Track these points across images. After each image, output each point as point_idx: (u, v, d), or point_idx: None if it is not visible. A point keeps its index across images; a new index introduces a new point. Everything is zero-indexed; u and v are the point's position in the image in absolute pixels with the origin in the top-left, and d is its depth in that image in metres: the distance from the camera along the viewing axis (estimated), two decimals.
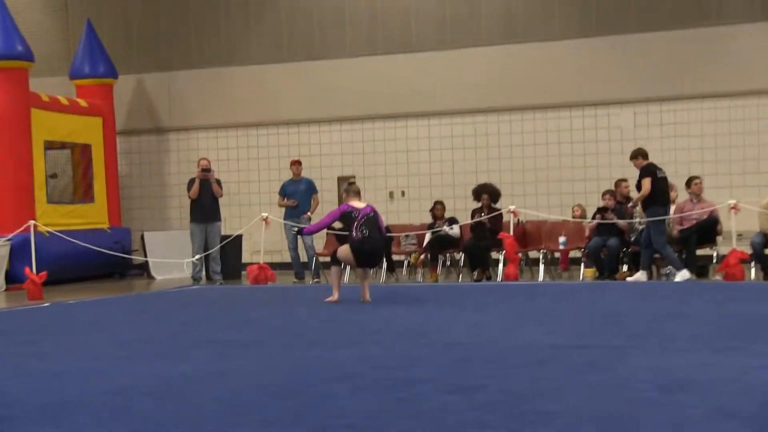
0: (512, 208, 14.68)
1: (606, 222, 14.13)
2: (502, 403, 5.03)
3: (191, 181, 15.72)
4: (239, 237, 16.90)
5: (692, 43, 16.86)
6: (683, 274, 13.16)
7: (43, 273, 13.88)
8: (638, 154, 13.79)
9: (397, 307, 10.41)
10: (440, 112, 18.17)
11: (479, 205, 15.18)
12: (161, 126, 19.99)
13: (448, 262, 16.06)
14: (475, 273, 14.88)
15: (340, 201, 18.58)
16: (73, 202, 17.98)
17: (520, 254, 14.71)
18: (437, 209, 15.67)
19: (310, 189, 15.94)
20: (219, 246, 15.72)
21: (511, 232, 14.43)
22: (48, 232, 15.70)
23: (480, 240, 14.79)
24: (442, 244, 15.29)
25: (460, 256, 15.47)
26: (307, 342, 7.85)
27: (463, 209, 16.67)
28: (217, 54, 19.54)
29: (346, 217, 10.96)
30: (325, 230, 16.31)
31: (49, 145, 17.44)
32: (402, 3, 18.48)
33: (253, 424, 4.71)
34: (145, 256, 17.72)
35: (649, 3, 17.24)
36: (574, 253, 15.59)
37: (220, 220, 15.91)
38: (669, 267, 13.83)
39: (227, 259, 16.28)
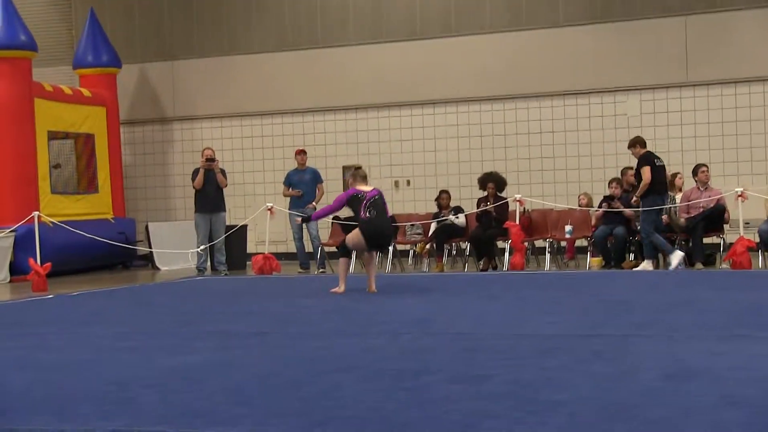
0: (518, 196, 14.64)
1: (612, 210, 14.07)
2: (508, 393, 5.00)
3: (195, 171, 15.69)
4: (244, 227, 16.87)
5: (698, 30, 16.79)
6: (677, 255, 13.12)
7: (48, 264, 13.86)
8: (636, 143, 13.74)
9: (403, 297, 10.38)
10: (445, 100, 18.11)
11: (485, 194, 15.14)
12: (165, 116, 19.97)
13: (454, 252, 16.05)
14: (481, 262, 14.86)
15: (346, 190, 18.61)
16: (77, 193, 17.96)
17: (526, 243, 14.68)
18: (443, 198, 15.64)
19: (315, 178, 15.90)
20: (224, 236, 15.70)
21: (517, 221, 14.39)
22: (52, 222, 15.68)
23: (486, 229, 14.76)
24: (447, 233, 15.26)
25: (466, 246, 15.44)
26: (312, 332, 7.83)
27: (468, 198, 16.64)
28: (220, 43, 19.50)
29: (353, 200, 10.87)
30: (330, 220, 16.38)
31: (53, 135, 17.42)
32: None
33: (258, 415, 4.68)
34: (150, 247, 17.71)
35: None
36: (581, 242, 15.54)
37: (224, 210, 15.88)
38: None
39: (232, 249, 16.26)
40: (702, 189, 14.09)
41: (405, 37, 18.37)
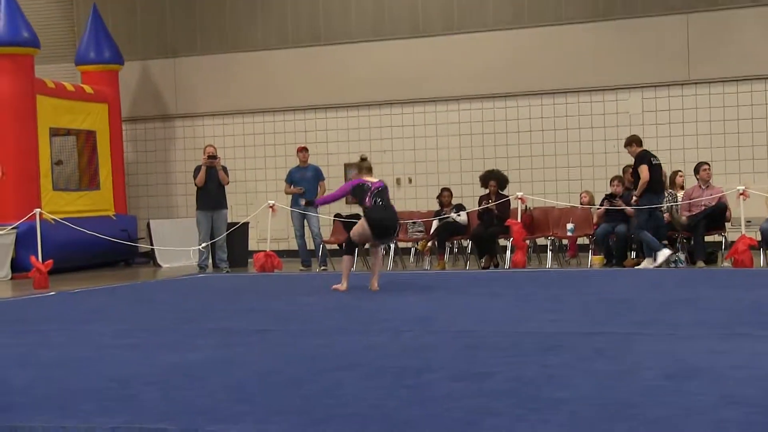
0: (520, 194, 14.62)
1: (614, 208, 14.07)
2: (509, 391, 5.00)
3: (197, 169, 15.70)
4: (246, 225, 16.87)
5: (700, 28, 16.77)
6: (663, 254, 13.13)
7: (49, 261, 13.86)
8: (632, 141, 13.74)
9: (404, 295, 10.38)
10: (447, 97, 18.10)
11: (487, 191, 15.13)
12: (167, 113, 19.97)
13: (456, 250, 16.04)
14: (483, 260, 14.86)
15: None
16: (79, 190, 17.96)
17: (527, 241, 14.67)
18: (444, 196, 15.63)
19: (317, 176, 15.90)
20: (225, 234, 15.70)
21: (519, 219, 14.38)
22: (54, 219, 15.68)
23: (487, 227, 14.75)
24: (449, 231, 15.25)
25: (468, 244, 15.43)
26: (314, 330, 7.83)
27: (470, 196, 16.64)
28: (222, 40, 19.50)
29: (358, 189, 10.83)
30: (332, 218, 16.39)
31: (55, 132, 17.42)
32: None
33: (259, 413, 4.69)
34: (151, 244, 17.71)
35: None
36: (582, 240, 15.53)
37: (226, 207, 15.89)
38: (677, 254, 13.80)
39: (234, 246, 16.26)
40: (704, 187, 14.08)
41: (407, 34, 18.36)
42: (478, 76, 17.79)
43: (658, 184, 13.47)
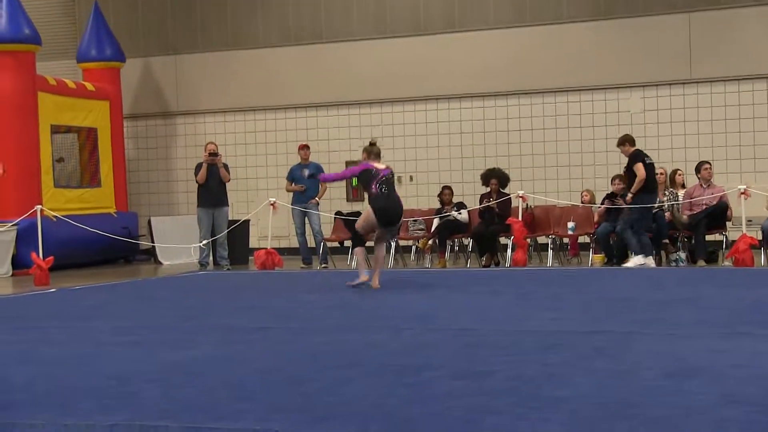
0: (521, 193, 14.62)
1: (615, 207, 14.06)
2: (510, 389, 5.00)
3: (198, 166, 15.70)
4: (247, 222, 16.87)
5: (702, 27, 16.76)
6: (637, 260, 13.22)
7: (50, 258, 13.87)
8: (625, 141, 13.75)
9: (405, 293, 10.37)
10: (448, 95, 18.09)
11: (488, 190, 15.13)
12: (168, 110, 19.97)
13: (456, 248, 16.04)
14: (484, 258, 14.85)
15: (348, 185, 18.60)
16: (80, 187, 17.96)
17: (528, 240, 14.67)
18: (445, 194, 15.63)
19: (318, 173, 15.88)
20: (226, 231, 15.70)
21: (520, 218, 14.37)
22: (55, 216, 15.69)
23: (488, 225, 14.75)
24: (450, 229, 15.24)
25: (469, 242, 15.43)
26: (315, 327, 7.83)
27: (471, 194, 16.63)
28: (224, 37, 19.49)
29: (365, 174, 10.81)
30: (332, 215, 16.39)
31: (56, 129, 17.42)
32: None
33: (260, 411, 4.69)
34: (152, 241, 17.72)
35: None
36: (583, 239, 15.53)
37: (227, 204, 15.90)
38: (677, 253, 13.80)
39: (234, 244, 16.27)
40: (705, 186, 14.07)
41: (409, 32, 18.35)
42: (479, 74, 17.78)
43: (651, 184, 13.50)
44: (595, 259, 14.38)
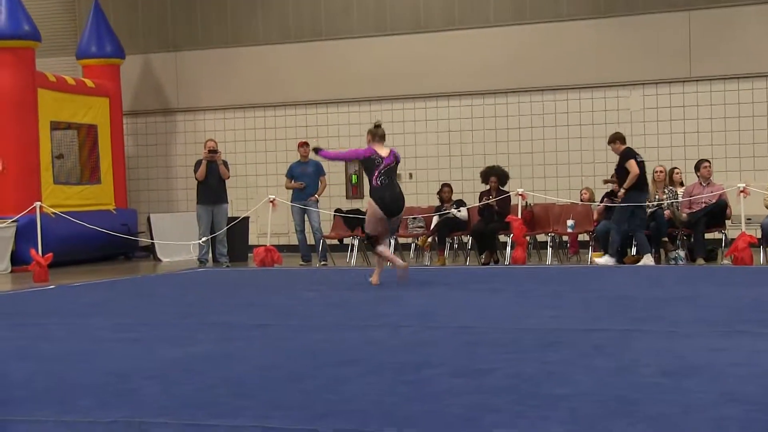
0: (520, 190, 14.63)
1: (614, 205, 14.05)
2: (509, 387, 5.00)
3: (198, 163, 15.69)
4: (246, 219, 16.87)
5: (702, 25, 16.76)
6: (606, 260, 13.41)
7: (49, 255, 13.87)
8: (616, 139, 13.80)
9: (404, 290, 10.37)
10: (448, 93, 18.09)
11: (487, 187, 15.13)
12: (168, 107, 19.96)
13: (456, 245, 16.04)
14: (483, 256, 14.86)
15: (348, 183, 18.62)
16: (80, 183, 17.96)
17: (527, 237, 14.67)
18: (445, 192, 15.63)
19: (318, 171, 15.88)
20: (226, 228, 15.70)
21: (519, 215, 14.38)
22: (54, 213, 15.69)
23: (488, 223, 14.75)
24: (449, 226, 15.25)
25: (468, 239, 15.43)
26: (314, 325, 7.83)
27: (471, 192, 16.63)
28: (224, 34, 19.48)
29: (369, 162, 10.81)
30: (332, 213, 16.38)
31: (56, 126, 17.42)
32: None
33: (259, 408, 4.69)
34: (152, 238, 17.71)
35: None
36: (583, 237, 15.53)
37: (226, 202, 15.89)
38: (676, 251, 13.80)
39: (234, 241, 16.26)
40: (704, 184, 14.08)
41: (409, 29, 18.34)
42: (479, 72, 17.78)
43: (642, 182, 13.54)
44: (594, 257, 14.38)
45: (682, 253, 13.80)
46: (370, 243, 11.09)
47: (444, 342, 6.67)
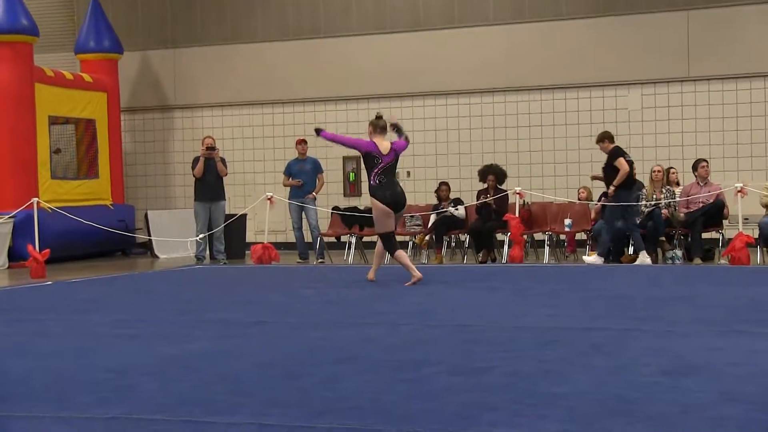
0: (518, 189, 14.63)
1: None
2: (507, 385, 5.00)
3: (196, 160, 15.68)
4: (243, 216, 16.86)
5: (701, 24, 16.76)
6: (594, 258, 13.49)
7: (46, 250, 13.85)
8: (605, 137, 13.85)
9: (402, 288, 10.37)
10: (446, 91, 18.09)
11: (485, 186, 15.13)
12: (166, 103, 19.94)
13: (453, 244, 16.04)
14: (480, 254, 14.85)
15: (346, 180, 18.61)
16: (77, 178, 17.94)
17: (525, 236, 14.67)
18: (442, 190, 15.63)
19: (316, 168, 15.87)
20: (223, 225, 15.69)
21: (517, 214, 14.38)
22: (51, 209, 15.67)
23: (485, 221, 14.76)
24: (447, 225, 15.25)
25: (465, 238, 15.43)
26: (312, 322, 7.83)
27: (468, 190, 16.62)
28: (222, 31, 19.46)
29: (369, 158, 10.76)
30: (329, 210, 16.37)
31: (53, 120, 17.40)
32: None
33: (257, 405, 4.69)
34: (149, 235, 17.70)
35: None
36: (580, 236, 15.53)
37: (224, 199, 15.87)
38: (674, 251, 13.81)
39: (231, 238, 16.26)
40: (702, 184, 14.09)
41: (408, 27, 18.33)
42: (477, 71, 17.78)
43: (631, 180, 13.59)
44: (591, 255, 14.37)
45: (679, 252, 13.80)
46: (386, 246, 10.91)
47: (442, 340, 6.66)
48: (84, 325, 7.98)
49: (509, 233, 14.32)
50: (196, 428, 4.30)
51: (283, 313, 8.65)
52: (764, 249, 13.46)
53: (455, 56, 17.92)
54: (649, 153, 16.79)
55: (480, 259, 14.80)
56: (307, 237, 15.78)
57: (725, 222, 14.15)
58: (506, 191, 14.89)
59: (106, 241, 17.35)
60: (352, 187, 18.59)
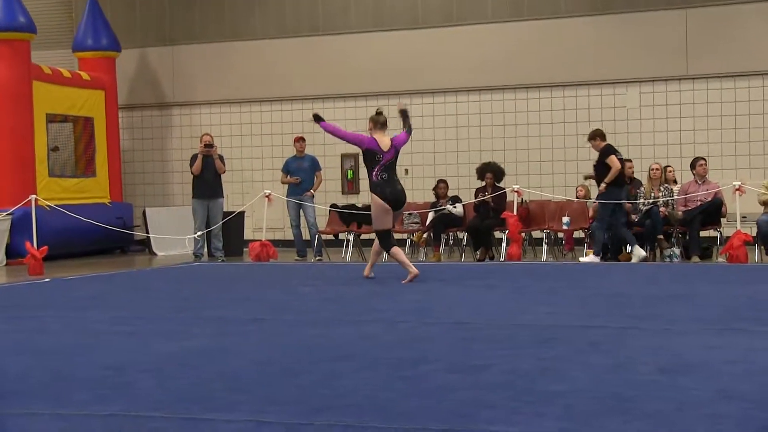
0: (516, 187, 14.63)
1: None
2: (504, 383, 5.00)
3: (194, 157, 15.67)
4: (241, 214, 16.86)
5: (699, 23, 16.76)
6: (591, 258, 13.53)
7: (44, 248, 13.85)
8: (596, 136, 13.88)
9: (400, 286, 10.37)
10: (445, 89, 18.08)
11: (483, 184, 15.13)
12: (164, 101, 19.93)
13: (451, 241, 16.04)
14: (478, 252, 14.85)
15: (344, 178, 18.61)
16: (75, 176, 17.93)
17: (523, 234, 14.67)
18: (440, 188, 15.63)
19: (314, 166, 15.88)
20: (221, 222, 15.69)
21: (515, 212, 14.38)
22: (49, 206, 15.66)
23: (483, 219, 14.76)
24: (445, 222, 15.25)
25: (464, 236, 15.44)
26: (309, 320, 7.83)
27: (466, 188, 16.62)
28: (221, 28, 19.45)
29: (370, 155, 10.74)
30: (327, 208, 16.37)
31: (51, 118, 17.38)
32: None
33: (255, 402, 4.69)
34: (147, 232, 17.69)
35: None
36: (578, 234, 15.54)
37: (222, 196, 15.87)
38: (671, 249, 13.81)
39: (229, 235, 16.25)
40: (700, 182, 14.09)
41: (406, 25, 18.33)
42: (476, 69, 17.77)
43: (621, 178, 13.61)
44: (589, 253, 14.38)
45: (677, 250, 13.81)
46: (383, 243, 10.88)
47: (439, 338, 6.67)
48: (82, 322, 7.98)
49: (507, 231, 14.32)
50: (194, 425, 4.29)
51: (281, 310, 8.65)
52: (762, 247, 13.47)
53: (454, 54, 17.91)
54: (648, 151, 16.80)
55: (478, 256, 14.80)
56: (305, 234, 15.78)
57: (723, 220, 14.15)
58: (504, 189, 14.89)
59: (104, 238, 17.34)
60: (350, 185, 18.59)
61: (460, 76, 17.88)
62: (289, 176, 15.78)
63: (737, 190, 13.38)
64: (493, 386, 4.94)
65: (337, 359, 5.81)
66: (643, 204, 13.93)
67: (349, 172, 18.58)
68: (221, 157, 15.76)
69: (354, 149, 18.00)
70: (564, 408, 4.42)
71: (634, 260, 13.37)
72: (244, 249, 16.55)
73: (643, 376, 5.12)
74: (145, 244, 18.26)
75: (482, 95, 17.91)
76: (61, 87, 17.37)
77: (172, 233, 17.22)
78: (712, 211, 13.84)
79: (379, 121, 10.93)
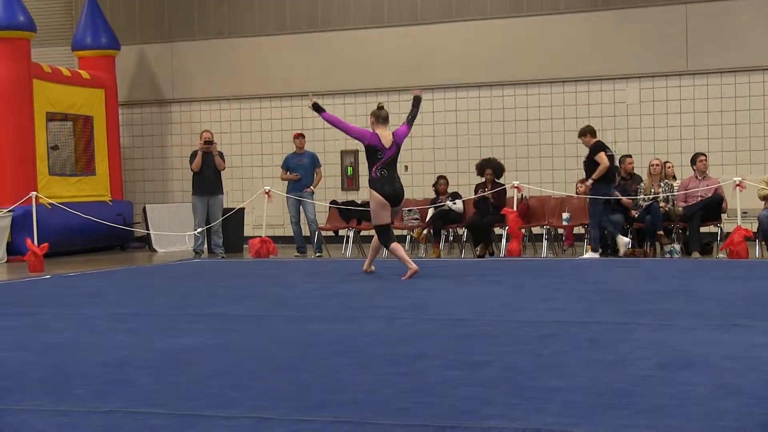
0: (516, 183, 14.63)
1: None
2: (504, 379, 5.00)
3: (194, 154, 15.67)
4: (241, 210, 16.86)
5: (699, 18, 16.75)
6: (590, 255, 13.55)
7: (45, 245, 13.86)
8: (587, 132, 13.91)
9: (399, 282, 10.37)
10: (445, 85, 18.07)
11: (483, 180, 15.13)
12: (163, 98, 19.92)
13: (451, 238, 16.04)
14: (478, 248, 14.85)
15: (344, 175, 18.60)
16: (75, 174, 17.94)
17: (523, 230, 14.67)
18: (440, 184, 15.63)
19: (314, 162, 15.89)
20: (221, 219, 15.69)
21: (515, 208, 14.38)
22: (50, 204, 15.66)
23: (483, 215, 14.76)
24: (445, 219, 15.25)
25: (463, 232, 15.44)
26: (309, 316, 7.83)
27: (466, 184, 16.63)
28: (220, 25, 19.45)
29: (371, 151, 10.73)
30: (327, 204, 16.37)
31: (51, 117, 17.38)
32: None
33: (254, 399, 4.68)
34: (147, 229, 17.70)
35: None
36: (578, 230, 15.54)
37: (222, 193, 15.87)
38: (672, 245, 13.81)
39: (229, 232, 16.26)
40: (700, 178, 14.09)
41: (406, 21, 18.31)
42: (476, 65, 17.76)
43: (611, 174, 13.64)
44: (589, 249, 14.38)
45: (677, 246, 13.80)
46: (382, 238, 10.86)
47: (439, 334, 6.66)
48: (82, 318, 7.98)
49: (507, 227, 14.32)
50: (194, 421, 4.29)
51: (280, 306, 8.65)
52: (763, 243, 13.46)
53: (453, 50, 17.90)
54: (648, 147, 16.80)
55: (478, 253, 14.80)
56: (305, 231, 15.79)
57: (723, 216, 14.15)
58: (504, 185, 14.89)
59: (105, 235, 17.36)
60: (350, 182, 18.59)
61: (459, 72, 17.87)
62: (288, 173, 15.78)
63: (738, 185, 13.37)
64: (492, 382, 4.94)
65: (336, 355, 5.81)
66: (643, 200, 13.92)
67: (349, 169, 18.58)
68: (221, 154, 15.76)
69: (354, 145, 18.07)
70: (564, 404, 4.42)
71: (621, 249, 13.42)
72: (244, 245, 16.55)
73: (642, 371, 5.12)
74: (145, 241, 18.26)
75: (482, 91, 17.90)
76: (61, 86, 17.37)
77: (172, 230, 17.23)
78: (713, 207, 13.84)
79: (380, 116, 10.93)
